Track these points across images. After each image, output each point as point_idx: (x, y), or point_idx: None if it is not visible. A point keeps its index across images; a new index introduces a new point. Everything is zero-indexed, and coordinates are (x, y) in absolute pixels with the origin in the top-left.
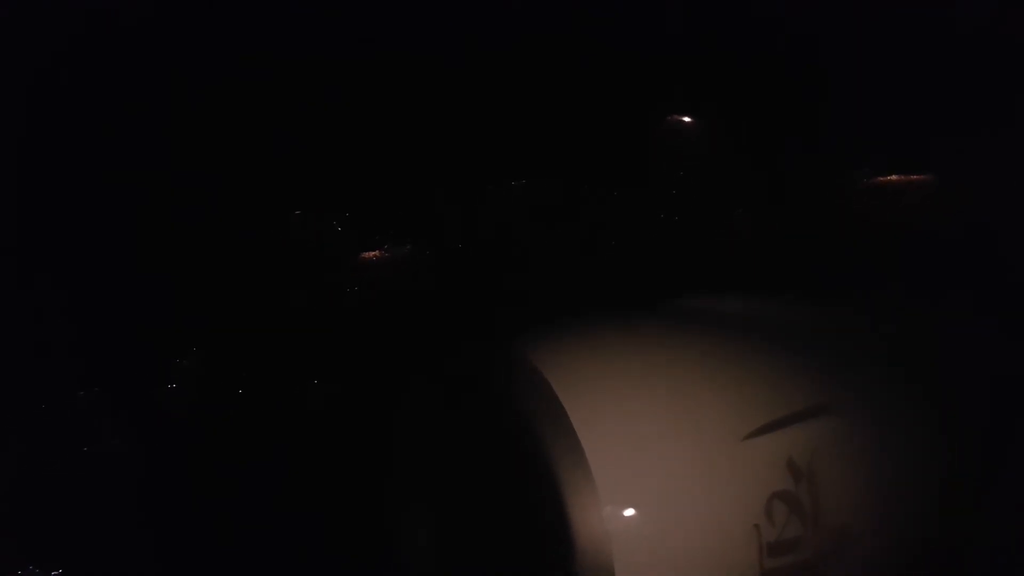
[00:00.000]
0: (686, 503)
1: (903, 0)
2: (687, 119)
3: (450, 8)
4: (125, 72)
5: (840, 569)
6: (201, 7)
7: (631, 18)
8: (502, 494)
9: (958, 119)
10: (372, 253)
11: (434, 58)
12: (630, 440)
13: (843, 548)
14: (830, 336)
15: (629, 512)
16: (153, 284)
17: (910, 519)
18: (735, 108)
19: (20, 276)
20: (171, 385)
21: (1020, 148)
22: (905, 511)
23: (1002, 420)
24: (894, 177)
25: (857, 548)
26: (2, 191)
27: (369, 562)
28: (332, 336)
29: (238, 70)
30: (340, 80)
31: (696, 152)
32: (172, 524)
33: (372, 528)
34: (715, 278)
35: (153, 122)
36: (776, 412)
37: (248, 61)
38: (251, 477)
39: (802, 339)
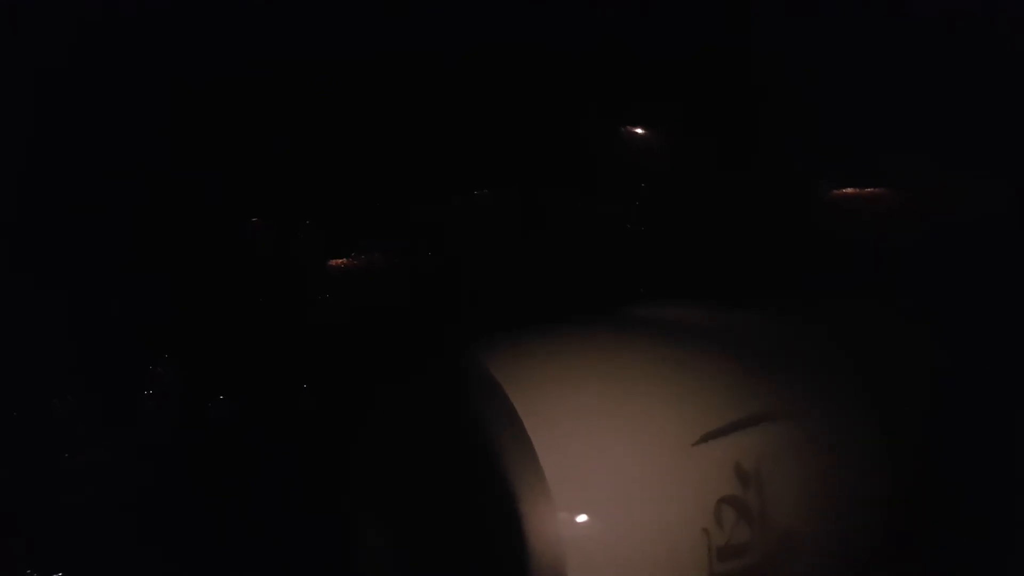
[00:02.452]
0: (638, 508)
1: (864, 10)
2: (641, 130)
3: (415, 16)
4: (92, 74)
5: (787, 572)
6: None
7: (591, 27)
8: (457, 500)
9: (915, 130)
10: (340, 261)
11: (402, 68)
12: (584, 446)
13: (790, 551)
14: (778, 343)
15: (582, 518)
16: (125, 290)
17: (856, 522)
18: (693, 119)
19: None
20: (147, 391)
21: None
22: (851, 514)
23: (947, 424)
24: (850, 190)
25: (804, 551)
26: None
27: (326, 565)
28: (301, 343)
29: (208, 75)
30: (308, 87)
31: (653, 163)
32: (158, 529)
33: (329, 532)
34: (669, 286)
35: (118, 128)
36: (725, 418)
37: (216, 67)
38: (227, 481)
39: (751, 346)
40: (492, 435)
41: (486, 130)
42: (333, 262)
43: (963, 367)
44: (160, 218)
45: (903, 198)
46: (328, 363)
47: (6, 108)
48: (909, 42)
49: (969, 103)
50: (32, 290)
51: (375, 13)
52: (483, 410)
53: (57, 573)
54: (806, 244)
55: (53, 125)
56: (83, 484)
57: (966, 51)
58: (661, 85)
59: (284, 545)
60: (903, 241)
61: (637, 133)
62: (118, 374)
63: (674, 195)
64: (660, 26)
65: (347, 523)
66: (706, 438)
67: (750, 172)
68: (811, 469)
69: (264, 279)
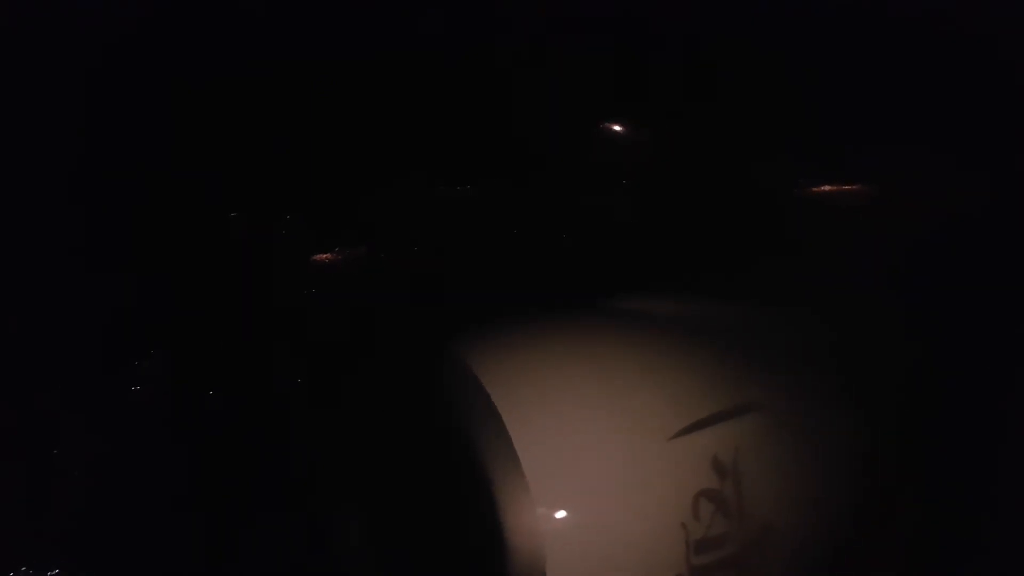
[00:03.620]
0: (616, 503)
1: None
2: (618, 127)
3: (397, 16)
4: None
5: (764, 563)
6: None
7: (569, 25)
8: (436, 496)
9: (891, 125)
10: (324, 255)
11: (383, 63)
12: (562, 441)
13: (767, 543)
14: (755, 336)
15: (561, 513)
16: (112, 286)
17: (832, 513)
18: (672, 115)
19: None
20: (135, 387)
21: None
22: (827, 505)
23: (926, 416)
24: (828, 187)
25: (781, 542)
26: None
27: (308, 561)
28: (284, 337)
29: (190, 75)
30: (291, 86)
31: (634, 158)
32: (149, 525)
33: (311, 528)
34: (649, 280)
35: (102, 126)
36: (702, 411)
37: (198, 65)
38: (213, 476)
39: (729, 339)
40: (471, 430)
41: (469, 125)
42: (317, 257)
43: (942, 360)
44: (146, 215)
45: (880, 193)
46: (309, 357)
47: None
48: (884, 39)
49: (946, 98)
50: (17, 286)
51: (358, 13)
52: (462, 404)
53: (53, 570)
54: (785, 239)
55: (42, 123)
56: (72, 480)
57: (942, 47)
58: (642, 82)
59: (270, 540)
60: (881, 236)
61: (619, 129)
62: (105, 370)
63: (655, 190)
64: (641, 24)
65: (327, 519)
66: (684, 431)
67: (730, 169)
68: (788, 460)
69: (248, 274)
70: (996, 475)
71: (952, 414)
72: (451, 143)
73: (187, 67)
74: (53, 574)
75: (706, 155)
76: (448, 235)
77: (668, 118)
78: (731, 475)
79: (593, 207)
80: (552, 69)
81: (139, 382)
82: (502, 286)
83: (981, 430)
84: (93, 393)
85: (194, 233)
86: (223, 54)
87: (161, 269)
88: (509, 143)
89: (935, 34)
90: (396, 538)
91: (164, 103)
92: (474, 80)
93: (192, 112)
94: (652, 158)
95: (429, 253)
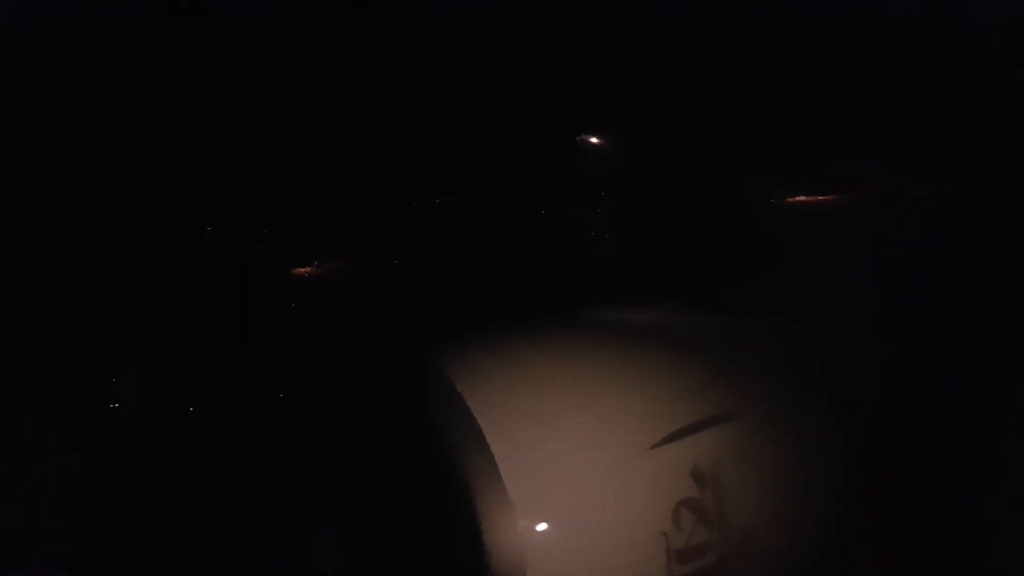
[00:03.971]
0: (598, 514)
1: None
2: (597, 139)
3: (378, 25)
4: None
5: (745, 572)
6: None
7: (544, 41)
8: (418, 509)
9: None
10: (305, 268)
11: (364, 75)
12: (543, 453)
13: (747, 551)
14: (733, 345)
15: (542, 526)
16: (90, 300)
17: (811, 519)
18: (649, 127)
19: None
20: (113, 404)
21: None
22: (806, 511)
23: (901, 421)
24: (803, 197)
25: (761, 550)
26: None
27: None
28: (265, 351)
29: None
30: (269, 97)
31: (610, 170)
32: (132, 536)
33: (290, 542)
34: (627, 290)
35: (83, 134)
36: (682, 421)
37: (178, 75)
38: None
39: (706, 349)
40: (452, 443)
41: (448, 137)
42: (298, 270)
43: (919, 364)
44: (123, 230)
45: (856, 202)
46: (290, 369)
47: None
48: (860, 52)
49: (917, 109)
50: None
51: (335, 27)
52: (443, 418)
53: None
54: (762, 248)
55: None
56: (51, 494)
57: (915, 58)
58: (620, 93)
59: (252, 550)
60: (857, 243)
61: (597, 141)
62: (83, 386)
63: (634, 201)
64: (619, 36)
65: (310, 534)
66: (664, 441)
67: (708, 179)
68: (767, 468)
69: (228, 287)
70: (973, 477)
71: (929, 418)
72: (430, 155)
73: (168, 80)
74: None
75: (685, 166)
76: (429, 247)
77: (647, 130)
78: (711, 484)
79: (572, 219)
80: (531, 81)
81: (117, 398)
82: (483, 298)
83: (959, 433)
84: (72, 408)
85: (172, 246)
86: (200, 69)
87: (140, 283)
88: (489, 155)
89: (911, 46)
90: (379, 552)
91: (141, 115)
92: (452, 93)
93: (169, 124)
94: (631, 169)
95: (410, 265)
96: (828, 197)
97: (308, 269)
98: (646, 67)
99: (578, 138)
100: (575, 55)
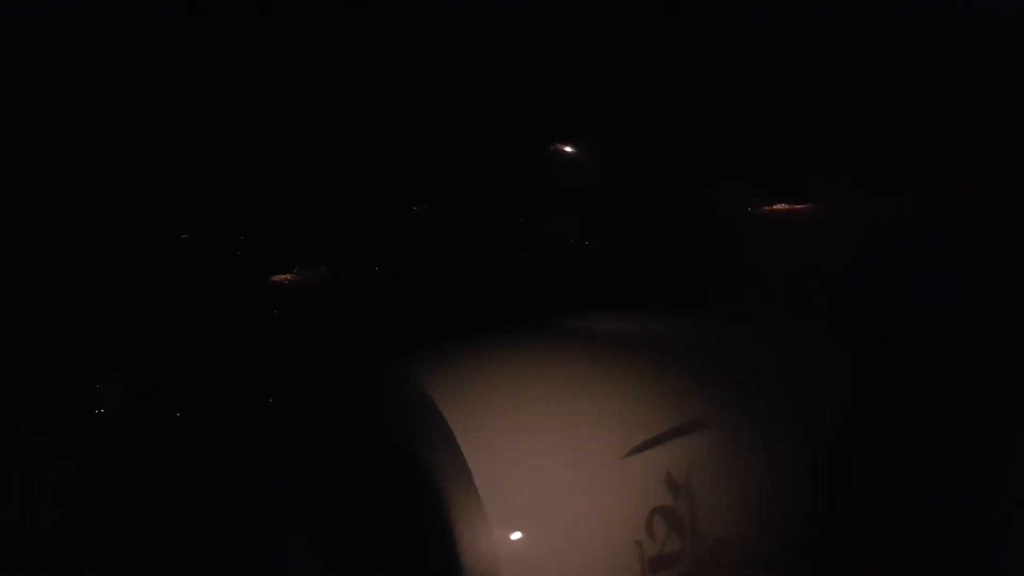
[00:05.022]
0: (571, 523)
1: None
2: (569, 148)
3: (358, 32)
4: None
5: None
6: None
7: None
8: (391, 518)
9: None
10: (284, 276)
11: (342, 84)
12: (517, 462)
13: (720, 559)
14: (706, 353)
15: (516, 535)
16: (70, 307)
17: (784, 527)
18: (624, 136)
19: None
20: (99, 410)
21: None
22: (779, 519)
23: (873, 428)
24: (781, 206)
25: (734, 558)
26: None
27: None
28: (243, 357)
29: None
30: (250, 104)
31: (582, 179)
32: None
33: (263, 549)
34: (600, 298)
35: (54, 143)
36: (655, 428)
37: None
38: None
39: (679, 356)
40: (426, 451)
41: (425, 145)
42: (276, 277)
43: (891, 372)
44: (103, 236)
45: (830, 212)
46: (265, 377)
47: None
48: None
49: (885, 123)
50: None
51: (311, 36)
52: (417, 426)
53: None
54: (735, 257)
55: None
56: (36, 504)
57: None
58: (596, 103)
59: (228, 558)
60: (830, 253)
61: (570, 150)
62: (65, 393)
63: (606, 210)
64: (596, 45)
65: (283, 542)
66: (638, 449)
67: (681, 189)
68: (740, 475)
69: (207, 295)
70: (945, 484)
71: (901, 425)
72: (409, 164)
73: (151, 87)
74: None
75: (658, 175)
76: (405, 255)
77: (620, 139)
78: (684, 491)
79: (545, 227)
80: (506, 90)
81: (101, 404)
82: (457, 306)
83: (930, 439)
84: (56, 416)
85: (151, 253)
86: (177, 76)
87: (118, 290)
88: (465, 165)
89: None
90: (353, 561)
91: (117, 120)
92: (430, 101)
93: (148, 129)
94: (603, 178)
95: (386, 273)
96: (804, 206)
97: (287, 276)
98: (620, 74)
99: (552, 147)
100: (550, 62)
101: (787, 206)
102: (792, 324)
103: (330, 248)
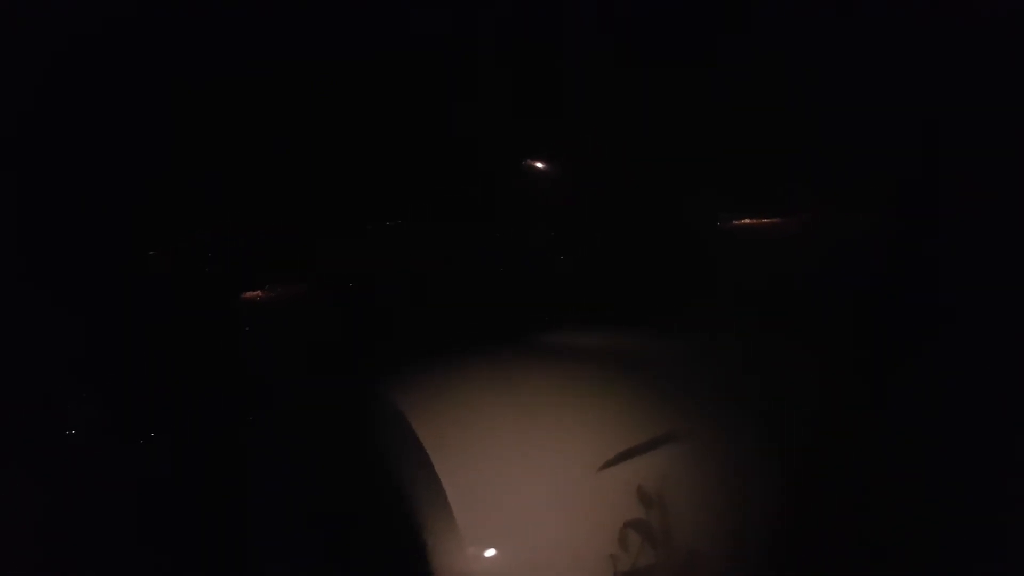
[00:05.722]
0: (546, 538)
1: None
2: (542, 163)
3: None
4: None
5: None
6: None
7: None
8: (366, 538)
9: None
10: (257, 292)
11: (319, 97)
12: (491, 479)
13: (693, 570)
14: (677, 366)
15: (490, 552)
16: (40, 327)
17: (754, 536)
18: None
19: None
20: (70, 431)
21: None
22: (751, 530)
23: (845, 438)
24: (748, 221)
25: (706, 568)
26: None
27: None
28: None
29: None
30: (221, 119)
31: (554, 195)
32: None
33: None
34: (571, 313)
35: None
36: (628, 442)
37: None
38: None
39: (651, 370)
40: (399, 470)
41: (399, 163)
42: (248, 294)
43: (857, 380)
44: (76, 254)
45: (798, 225)
46: (239, 395)
47: None
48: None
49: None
50: None
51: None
52: (390, 444)
53: None
54: (708, 270)
55: None
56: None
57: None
58: (569, 118)
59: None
60: (800, 265)
61: (543, 166)
62: (38, 412)
63: (579, 225)
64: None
65: (256, 557)
66: (611, 463)
67: (654, 204)
68: (712, 487)
69: (178, 311)
70: (916, 493)
71: (871, 436)
72: (381, 181)
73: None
74: None
75: (631, 190)
76: (379, 271)
77: (593, 155)
78: (656, 504)
79: (520, 243)
80: (479, 105)
81: (72, 425)
82: (430, 322)
83: (898, 447)
84: (28, 436)
85: (119, 270)
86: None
87: (87, 309)
88: (439, 181)
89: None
90: None
91: (94, 132)
92: (401, 117)
93: (119, 143)
94: (576, 193)
95: (361, 289)
96: (772, 220)
97: (260, 292)
98: (592, 89)
99: (524, 162)
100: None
101: (757, 220)
102: (763, 337)
103: (306, 264)
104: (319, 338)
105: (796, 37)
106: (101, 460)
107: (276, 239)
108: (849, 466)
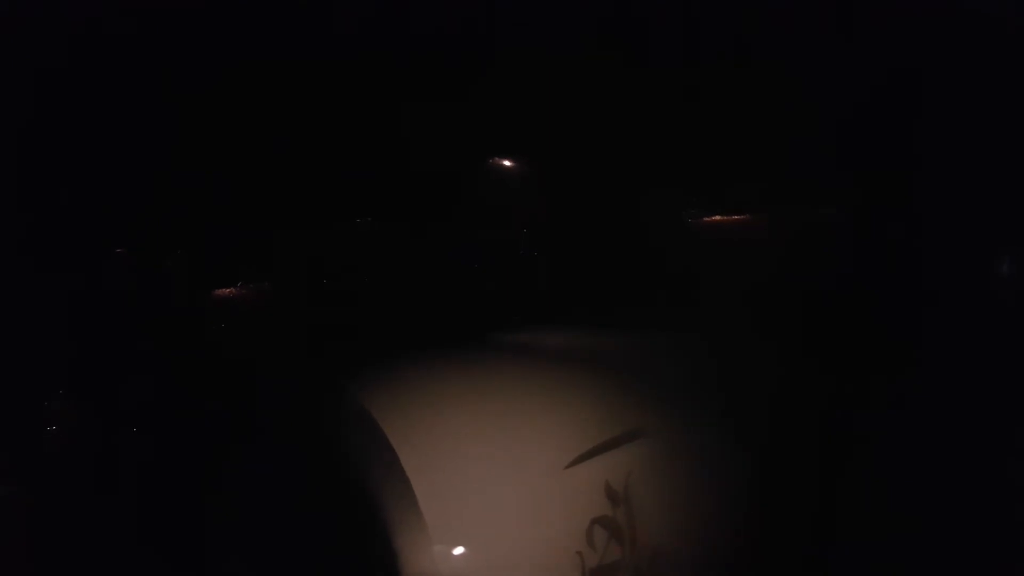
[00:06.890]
0: (514, 536)
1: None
2: (508, 162)
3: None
4: None
5: None
6: None
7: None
8: (333, 536)
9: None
10: (227, 290)
11: (289, 96)
12: (459, 477)
13: (659, 566)
14: (643, 364)
15: (459, 550)
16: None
17: (720, 533)
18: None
19: None
20: (50, 428)
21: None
22: (716, 528)
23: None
24: (718, 217)
25: (671, 566)
26: None
27: None
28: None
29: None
30: (191, 118)
31: (521, 193)
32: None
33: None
34: (537, 311)
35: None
36: (594, 439)
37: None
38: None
39: (618, 368)
40: (366, 468)
41: (369, 160)
42: (219, 291)
43: (827, 378)
44: (50, 250)
45: (764, 223)
46: (208, 392)
47: None
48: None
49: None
50: None
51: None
52: (358, 443)
53: None
54: (672, 269)
55: None
56: None
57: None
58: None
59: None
60: (766, 263)
61: (509, 164)
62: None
63: (544, 224)
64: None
65: (223, 560)
66: (578, 460)
67: (617, 200)
68: (678, 485)
69: (145, 309)
70: (885, 491)
71: (839, 434)
72: (350, 177)
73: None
74: None
75: (596, 188)
76: (347, 269)
77: (559, 153)
78: (623, 501)
79: (485, 242)
80: (446, 106)
81: (51, 422)
82: (398, 322)
83: (869, 448)
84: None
85: (98, 267)
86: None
87: (69, 305)
88: (405, 181)
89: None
90: None
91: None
92: (372, 117)
93: (89, 143)
94: (541, 192)
95: (328, 288)
96: (738, 218)
97: (230, 290)
98: (555, 89)
99: (489, 161)
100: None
101: (722, 217)
102: (729, 334)
103: (273, 261)
104: (285, 336)
105: (765, 31)
106: (78, 457)
107: (244, 236)
108: (814, 464)
